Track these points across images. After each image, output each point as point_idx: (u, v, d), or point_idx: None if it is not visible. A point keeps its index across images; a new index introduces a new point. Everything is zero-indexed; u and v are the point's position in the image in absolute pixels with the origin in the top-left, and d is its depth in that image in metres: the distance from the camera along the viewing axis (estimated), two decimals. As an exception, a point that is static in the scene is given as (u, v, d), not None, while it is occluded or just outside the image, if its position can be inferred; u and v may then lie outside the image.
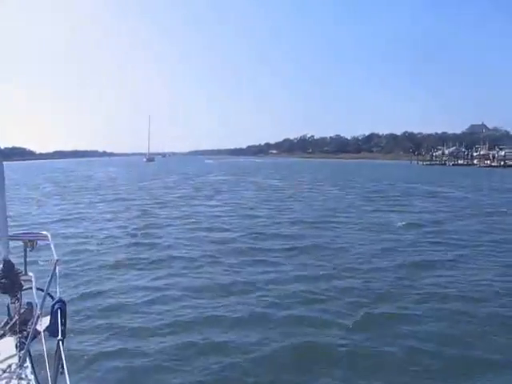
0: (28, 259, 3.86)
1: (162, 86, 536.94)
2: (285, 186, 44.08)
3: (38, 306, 3.27)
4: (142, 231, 18.01)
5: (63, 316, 3.12)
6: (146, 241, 16.09)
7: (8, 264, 3.58)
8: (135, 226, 19.17)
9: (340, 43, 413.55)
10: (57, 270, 3.45)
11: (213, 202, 29.56)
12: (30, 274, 3.71)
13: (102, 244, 15.46)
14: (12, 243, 3.77)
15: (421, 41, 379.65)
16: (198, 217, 22.32)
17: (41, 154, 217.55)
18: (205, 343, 7.35)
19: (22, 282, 3.63)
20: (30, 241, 3.89)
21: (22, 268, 3.76)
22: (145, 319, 8.40)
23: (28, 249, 3.88)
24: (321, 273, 11.64)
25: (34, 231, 4.12)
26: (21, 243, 3.90)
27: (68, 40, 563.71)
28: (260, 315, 8.64)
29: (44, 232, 4.02)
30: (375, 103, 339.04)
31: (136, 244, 15.47)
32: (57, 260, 3.53)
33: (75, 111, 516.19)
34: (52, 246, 3.75)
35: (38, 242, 3.94)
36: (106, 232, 17.81)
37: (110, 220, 21.18)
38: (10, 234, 3.72)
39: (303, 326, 8.16)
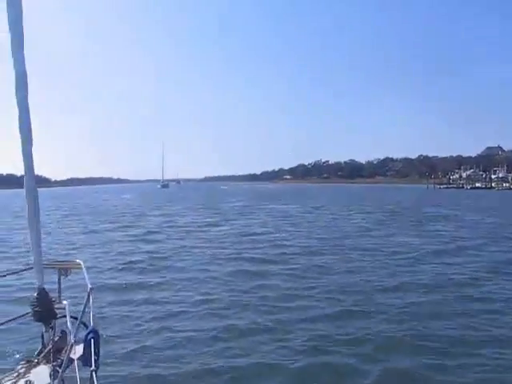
0: (62, 287, 3.91)
1: (177, 111, 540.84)
2: (303, 213, 43.94)
3: (72, 335, 3.28)
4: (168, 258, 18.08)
5: (96, 346, 3.13)
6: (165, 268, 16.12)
7: (43, 292, 3.62)
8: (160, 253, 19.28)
9: (350, 67, 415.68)
10: (90, 299, 3.48)
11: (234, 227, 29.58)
12: (64, 302, 3.74)
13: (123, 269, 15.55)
14: (46, 271, 3.81)
15: (432, 62, 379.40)
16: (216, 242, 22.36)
17: (56, 182, 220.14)
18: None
19: (56, 311, 3.66)
20: (64, 269, 3.94)
21: (56, 295, 3.80)
22: (171, 346, 8.32)
23: (62, 277, 3.93)
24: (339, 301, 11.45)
25: (68, 259, 4.18)
26: (55, 271, 3.96)
27: (79, 67, 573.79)
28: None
29: (77, 260, 4.06)
30: (389, 127, 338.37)
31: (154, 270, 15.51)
32: (90, 288, 3.55)
33: (89, 138, 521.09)
34: (85, 274, 3.78)
35: (72, 270, 3.99)
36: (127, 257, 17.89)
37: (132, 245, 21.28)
38: (44, 262, 3.78)
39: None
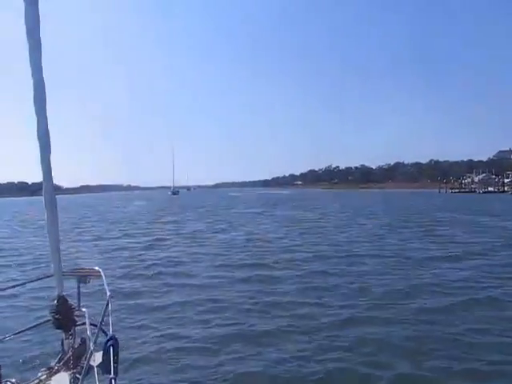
0: (81, 294, 3.92)
1: (187, 118, 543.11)
2: (314, 219, 43.89)
3: (91, 342, 3.29)
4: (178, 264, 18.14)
5: (116, 353, 3.13)
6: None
7: (62, 300, 3.64)
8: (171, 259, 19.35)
9: (357, 71, 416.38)
10: (110, 306, 3.48)
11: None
12: (84, 309, 3.75)
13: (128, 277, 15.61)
14: (65, 279, 3.82)
15: (442, 65, 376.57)
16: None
17: (67, 189, 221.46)
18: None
19: (76, 318, 3.67)
20: (83, 276, 3.96)
21: (76, 302, 3.81)
22: (188, 352, 8.33)
23: (81, 284, 3.94)
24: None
25: (87, 267, 4.20)
26: (74, 279, 3.98)
27: (83, 74, 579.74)
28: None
29: (96, 268, 4.08)
30: (399, 132, 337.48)
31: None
32: (110, 296, 3.56)
33: (99, 145, 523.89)
34: (104, 281, 3.80)
35: (91, 277, 4.01)
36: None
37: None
38: (63, 270, 3.79)
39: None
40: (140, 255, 20.77)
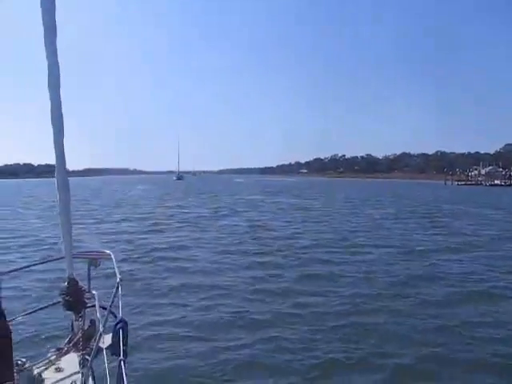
0: (91, 277, 3.95)
1: (192, 103, 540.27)
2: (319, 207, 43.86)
3: (101, 324, 3.31)
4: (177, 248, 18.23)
5: (125, 336, 3.15)
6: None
7: (73, 282, 3.67)
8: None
9: (366, 61, 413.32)
10: (120, 289, 3.50)
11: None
12: (94, 291, 3.78)
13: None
14: (76, 261, 3.85)
15: (450, 57, 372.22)
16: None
17: (73, 172, 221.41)
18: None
19: (86, 300, 3.71)
20: (93, 259, 3.98)
21: (86, 285, 3.84)
22: (196, 336, 8.43)
23: (91, 267, 3.96)
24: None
25: (98, 250, 4.21)
26: (85, 261, 4.00)
27: (96, 54, 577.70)
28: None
29: (107, 251, 4.09)
30: (406, 123, 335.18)
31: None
32: (120, 279, 3.58)
33: (105, 129, 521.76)
34: (115, 264, 3.82)
35: (101, 260, 4.03)
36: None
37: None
38: (74, 252, 3.82)
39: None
40: (142, 239, 20.86)
